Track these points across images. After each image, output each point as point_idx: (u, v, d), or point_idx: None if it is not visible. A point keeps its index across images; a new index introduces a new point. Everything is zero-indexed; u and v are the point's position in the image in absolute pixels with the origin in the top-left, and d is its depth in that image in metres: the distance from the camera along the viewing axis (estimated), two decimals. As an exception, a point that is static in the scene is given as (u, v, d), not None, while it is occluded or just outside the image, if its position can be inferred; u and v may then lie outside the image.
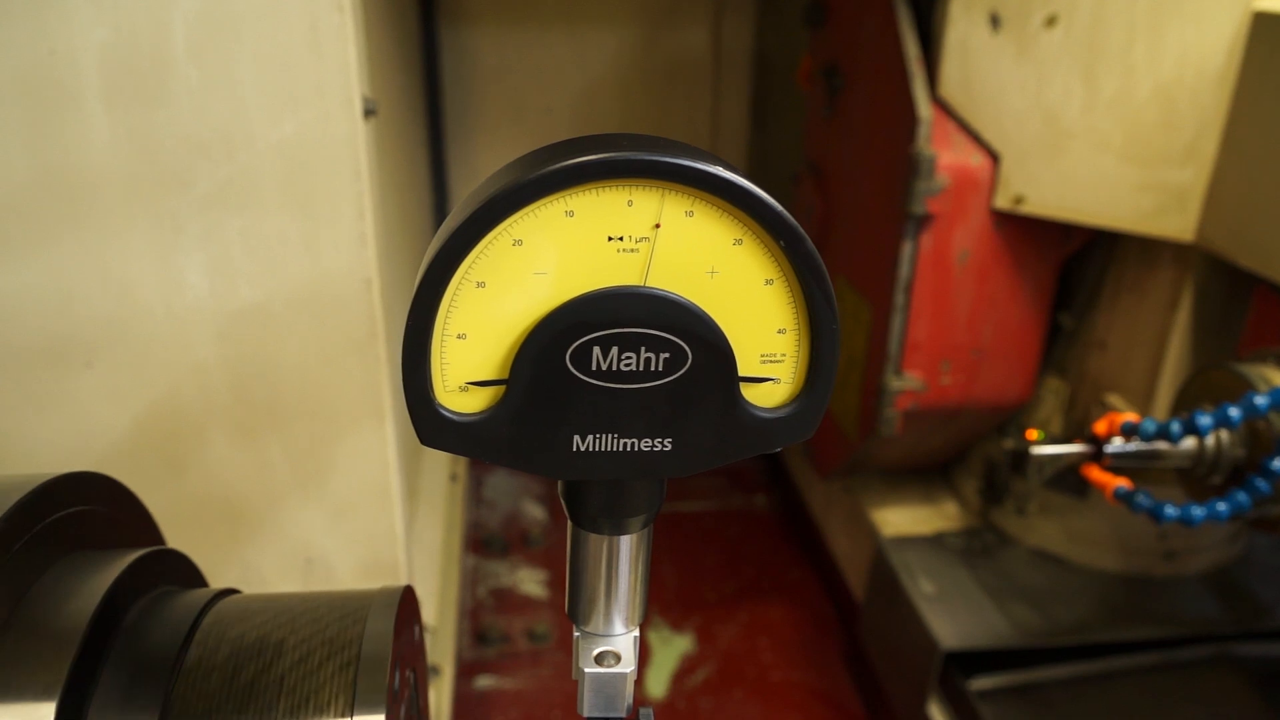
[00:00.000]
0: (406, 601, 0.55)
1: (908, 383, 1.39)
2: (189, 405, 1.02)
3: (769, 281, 0.41)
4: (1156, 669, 1.39)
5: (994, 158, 1.30)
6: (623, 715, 0.48)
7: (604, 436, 0.42)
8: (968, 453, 1.68)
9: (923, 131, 1.28)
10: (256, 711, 0.49)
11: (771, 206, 0.39)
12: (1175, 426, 0.88)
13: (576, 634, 0.49)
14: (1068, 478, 1.42)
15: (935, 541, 1.59)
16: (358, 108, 0.92)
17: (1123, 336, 1.34)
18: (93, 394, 0.98)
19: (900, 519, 1.66)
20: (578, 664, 0.48)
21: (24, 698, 0.46)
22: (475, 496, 2.37)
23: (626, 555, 0.47)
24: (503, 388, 0.41)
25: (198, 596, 0.55)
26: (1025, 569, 1.52)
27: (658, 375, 0.41)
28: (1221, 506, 0.88)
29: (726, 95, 2.25)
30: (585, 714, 0.47)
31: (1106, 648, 1.39)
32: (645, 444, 0.42)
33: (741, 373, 0.42)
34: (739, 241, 0.40)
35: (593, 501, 0.45)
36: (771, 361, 0.43)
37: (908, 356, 1.38)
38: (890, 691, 1.56)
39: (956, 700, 1.40)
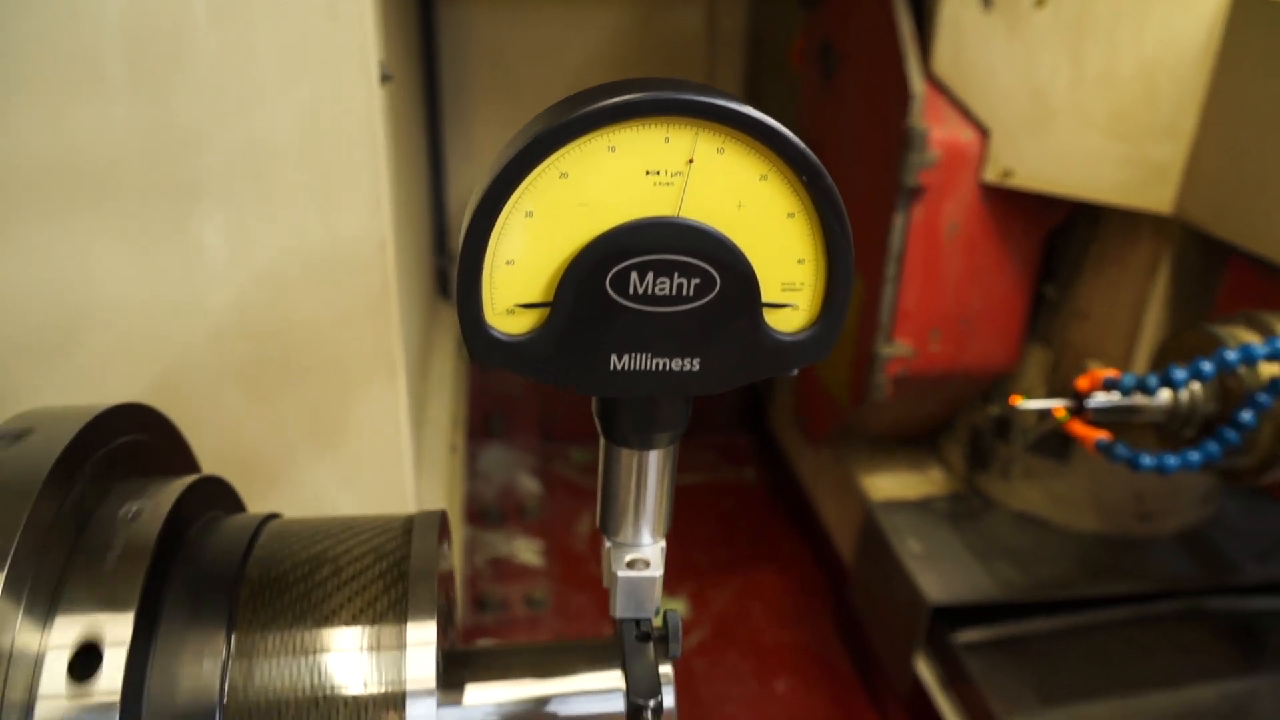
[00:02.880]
0: (443, 525, 0.60)
1: (898, 350, 1.43)
2: (207, 366, 1.05)
3: (791, 215, 0.45)
4: (1132, 622, 1.45)
5: (984, 133, 1.35)
6: (651, 616, 0.52)
7: (639, 356, 0.46)
8: (954, 421, 1.73)
9: (916, 106, 1.32)
10: (315, 621, 0.53)
11: (796, 145, 0.43)
12: (1152, 380, 0.93)
13: (608, 544, 0.53)
14: (1049, 442, 1.48)
15: (923, 505, 1.65)
16: (374, 74, 0.95)
17: (1104, 306, 1.40)
18: (112, 355, 1.01)
19: (889, 485, 1.71)
20: (610, 571, 0.52)
21: (103, 610, 0.49)
22: (470, 470, 2.40)
23: (654, 469, 0.51)
24: (547, 310, 0.45)
25: (248, 519, 0.59)
26: (1009, 530, 1.57)
27: (689, 300, 0.45)
28: (1194, 456, 0.93)
29: (720, 74, 2.28)
30: (618, 615, 0.52)
31: (1085, 602, 1.45)
32: (676, 364, 0.46)
33: (764, 299, 0.46)
34: (764, 177, 0.44)
35: (625, 418, 0.49)
36: (791, 289, 0.47)
37: (898, 325, 1.43)
38: (879, 648, 1.62)
39: (943, 653, 1.45)
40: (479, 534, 2.18)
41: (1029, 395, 1.54)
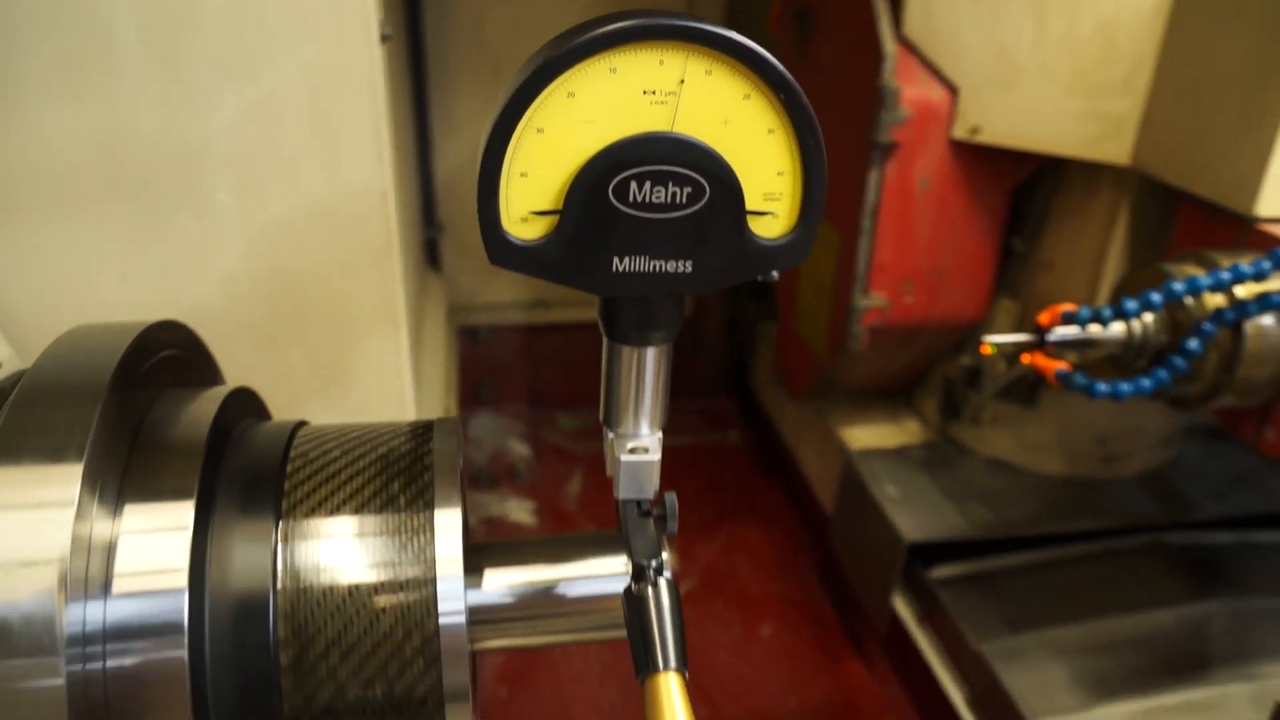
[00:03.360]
0: (459, 429, 0.66)
1: (874, 301, 1.50)
2: (217, 315, 1.10)
3: (771, 131, 0.51)
4: (1096, 556, 1.53)
5: (953, 91, 1.41)
6: (650, 496, 0.58)
7: (638, 258, 0.52)
8: (928, 374, 1.80)
9: (888, 66, 1.38)
10: (353, 509, 0.59)
11: (775, 66, 0.49)
12: (1106, 312, 1.00)
13: (610, 436, 0.59)
14: (1017, 389, 1.55)
15: (899, 454, 1.72)
16: (375, 33, 1.01)
17: (1068, 256, 1.47)
18: (125, 307, 1.06)
19: (867, 436, 1.79)
20: (613, 458, 0.58)
21: (166, 499, 0.55)
22: (462, 435, 2.46)
23: (651, 365, 0.57)
24: (557, 217, 0.51)
25: (282, 424, 0.65)
26: (980, 475, 1.65)
27: (682, 207, 0.51)
28: (1145, 382, 1.00)
29: (699, 45, 2.33)
30: (621, 496, 0.58)
31: (1052, 538, 1.54)
32: (671, 265, 0.53)
33: (748, 207, 0.52)
34: (748, 96, 0.50)
35: (625, 317, 0.55)
36: (772, 199, 0.53)
37: (874, 277, 1.50)
38: (859, 588, 1.70)
39: (918, 589, 1.53)
40: (473, 496, 2.25)
41: (998, 347, 1.61)
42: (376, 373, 1.17)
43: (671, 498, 0.59)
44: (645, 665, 0.51)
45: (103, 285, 1.04)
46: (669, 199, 0.51)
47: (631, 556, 0.55)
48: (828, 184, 0.53)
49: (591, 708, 1.71)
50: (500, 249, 0.51)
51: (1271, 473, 1.70)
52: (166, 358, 0.65)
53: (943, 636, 1.49)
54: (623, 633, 0.66)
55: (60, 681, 0.48)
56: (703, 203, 0.51)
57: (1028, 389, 1.58)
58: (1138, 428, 1.64)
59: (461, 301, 2.50)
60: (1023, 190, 1.52)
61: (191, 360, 0.69)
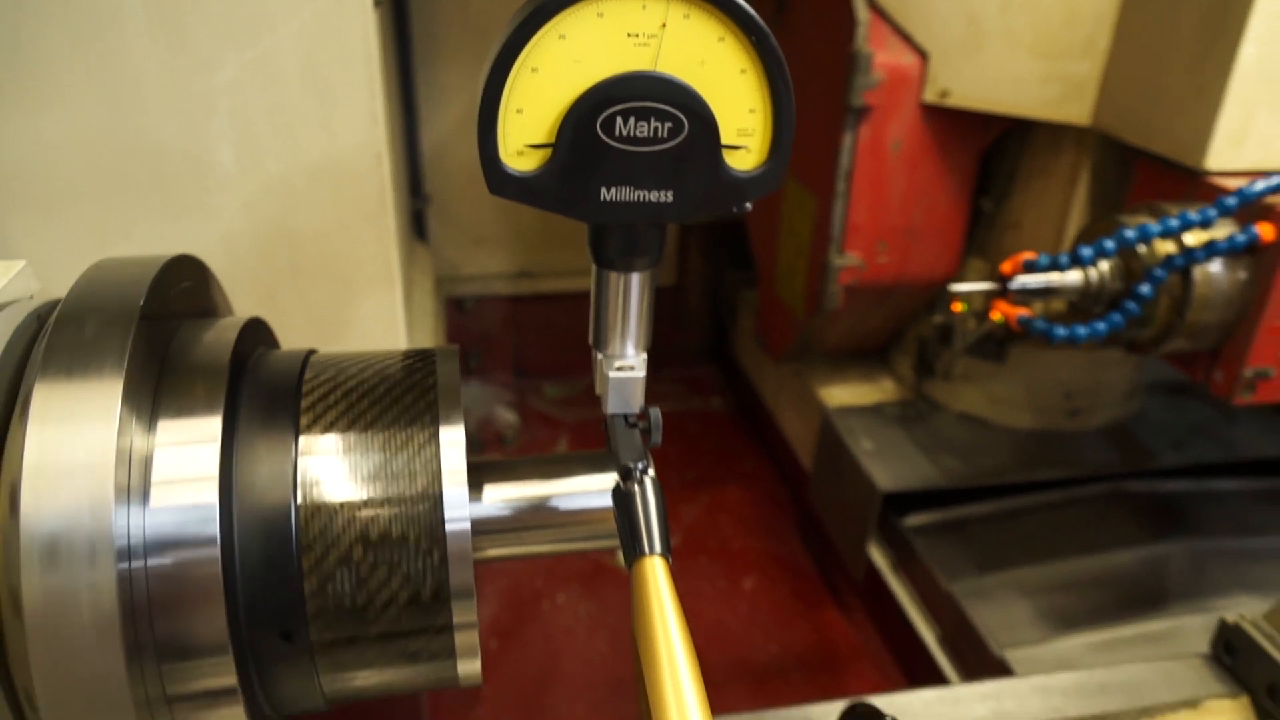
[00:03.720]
0: (458, 355, 0.71)
1: (849, 261, 1.56)
2: (218, 271, 1.14)
3: (743, 71, 0.57)
4: (1061, 504, 1.60)
5: (923, 56, 1.47)
6: (636, 410, 0.64)
7: (624, 189, 0.57)
8: (903, 335, 1.87)
9: (861, 32, 1.44)
10: (364, 425, 0.64)
11: (746, 11, 0.55)
12: (1064, 259, 1.07)
13: (599, 357, 0.65)
14: (986, 346, 1.62)
15: (875, 410, 1.79)
16: (368, -3, 1.05)
17: (1034, 216, 1.53)
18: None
19: (844, 394, 1.85)
20: (602, 376, 0.64)
21: (196, 414, 0.60)
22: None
23: (636, 290, 0.63)
24: (550, 150, 0.56)
25: (295, 351, 0.70)
26: (952, 429, 1.72)
27: (663, 140, 0.56)
28: (1101, 326, 1.07)
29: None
30: (609, 411, 0.64)
31: (1019, 487, 1.61)
32: (653, 195, 0.58)
33: (723, 141, 0.58)
34: (722, 39, 0.56)
35: (612, 244, 0.61)
36: (745, 134, 0.58)
37: (848, 238, 1.56)
38: (837, 538, 1.76)
39: (893, 537, 1.60)
40: (461, 460, 2.29)
41: (968, 303, 1.68)
42: (372, 329, 1.22)
43: (655, 412, 0.65)
44: (633, 551, 0.57)
45: (107, 242, 1.08)
46: (651, 133, 0.56)
47: (619, 460, 0.61)
48: (796, 127, 0.58)
49: (581, 660, 1.77)
50: (499, 180, 0.57)
51: (1227, 424, 1.77)
52: (185, 289, 0.70)
53: (915, 581, 1.56)
54: (611, 542, 0.73)
55: (111, 580, 0.53)
56: (682, 137, 0.57)
57: (997, 345, 1.64)
58: (1102, 383, 1.71)
59: (448, 272, 2.54)
60: (991, 152, 1.58)
61: (206, 292, 0.74)
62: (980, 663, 1.35)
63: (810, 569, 1.96)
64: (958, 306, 1.63)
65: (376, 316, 1.21)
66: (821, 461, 1.82)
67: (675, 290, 2.68)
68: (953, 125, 1.51)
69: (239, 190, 1.09)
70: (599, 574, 1.96)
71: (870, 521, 1.59)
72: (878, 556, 1.64)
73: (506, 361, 2.69)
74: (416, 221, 2.43)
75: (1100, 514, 1.59)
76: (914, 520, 1.58)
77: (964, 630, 1.40)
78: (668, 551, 0.57)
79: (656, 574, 0.55)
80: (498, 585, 1.92)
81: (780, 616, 1.85)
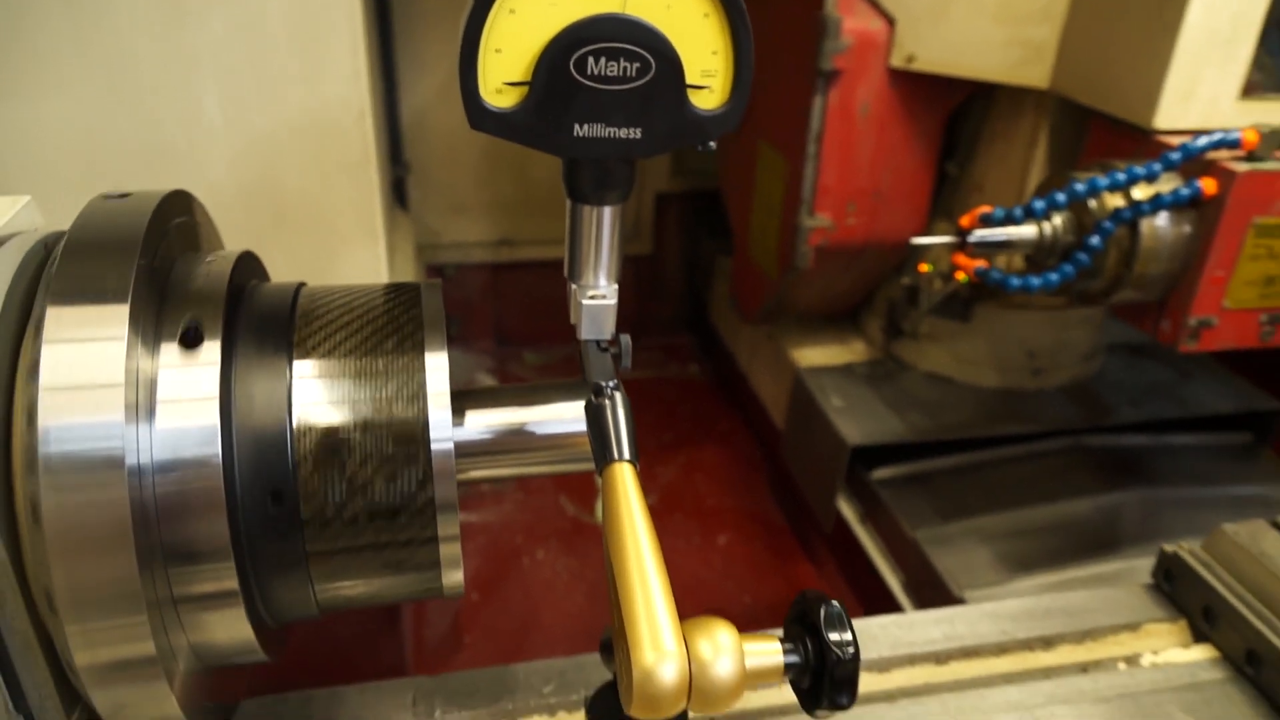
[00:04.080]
0: (441, 289, 0.76)
1: (819, 222, 1.61)
2: (205, 226, 1.18)
3: (706, 15, 0.61)
4: (1023, 458, 1.67)
5: (890, 21, 1.52)
6: (608, 336, 0.69)
7: (595, 125, 0.62)
8: (872, 298, 1.92)
9: (829, -1, 1.48)
10: (354, 350, 0.69)
11: (706, -43, 0.59)
12: (1018, 211, 1.12)
13: (573, 287, 0.69)
14: (952, 305, 1.68)
15: (845, 370, 1.84)
16: (351, -43, 1.08)
17: (996, 178, 1.59)
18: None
19: (815, 355, 1.91)
20: (576, 304, 0.68)
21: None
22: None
23: (608, 222, 0.67)
24: (526, 88, 0.61)
25: (286, 283, 0.74)
26: (919, 387, 1.78)
27: (632, 80, 0.61)
28: (1053, 276, 1.12)
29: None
30: (583, 337, 0.68)
31: (983, 442, 1.67)
32: (623, 132, 0.62)
33: (688, 81, 0.62)
34: (685, -17, 0.60)
35: (585, 178, 0.65)
36: (708, 75, 0.63)
37: (819, 199, 1.60)
38: (807, 492, 1.82)
39: (861, 490, 1.66)
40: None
41: (935, 266, 1.73)
42: (357, 281, 1.25)
43: (626, 338, 0.69)
44: (603, 458, 0.61)
45: (96, 191, 1.11)
46: (621, 72, 0.60)
47: (591, 379, 0.66)
48: (754, 66, 0.63)
49: (559, 613, 1.83)
50: (479, 115, 0.61)
51: (1182, 382, 1.84)
52: (180, 224, 0.74)
53: (882, 531, 1.62)
54: (586, 465, 0.78)
55: (123, 491, 0.57)
56: (650, 76, 0.61)
57: (962, 305, 1.70)
58: (1064, 343, 1.77)
59: (429, 240, 2.57)
60: (956, 116, 1.63)
61: (200, 228, 0.77)
62: (941, 604, 1.41)
63: (782, 524, 2.02)
64: (924, 267, 1.69)
65: (360, 270, 1.25)
66: (793, 419, 1.88)
67: (652, 259, 2.72)
68: (919, 89, 1.55)
69: (225, 144, 1.12)
70: (578, 531, 2.02)
71: (839, 475, 1.65)
72: (846, 509, 1.70)
73: (487, 329, 2.73)
74: (397, 189, 2.46)
75: (1060, 467, 1.66)
76: (881, 473, 1.64)
77: (927, 574, 1.46)
78: (636, 459, 0.62)
79: (625, 479, 0.60)
80: (478, 542, 1.97)
81: (754, 569, 1.91)
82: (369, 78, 1.14)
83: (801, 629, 0.61)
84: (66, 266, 0.61)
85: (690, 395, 2.55)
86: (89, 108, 1.06)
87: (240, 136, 1.12)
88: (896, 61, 1.52)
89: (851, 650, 0.58)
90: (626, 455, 0.61)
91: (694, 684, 0.55)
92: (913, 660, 0.98)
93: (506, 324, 2.73)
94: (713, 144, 0.65)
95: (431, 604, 1.81)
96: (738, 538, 1.99)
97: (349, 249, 1.22)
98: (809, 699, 0.60)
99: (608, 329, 0.69)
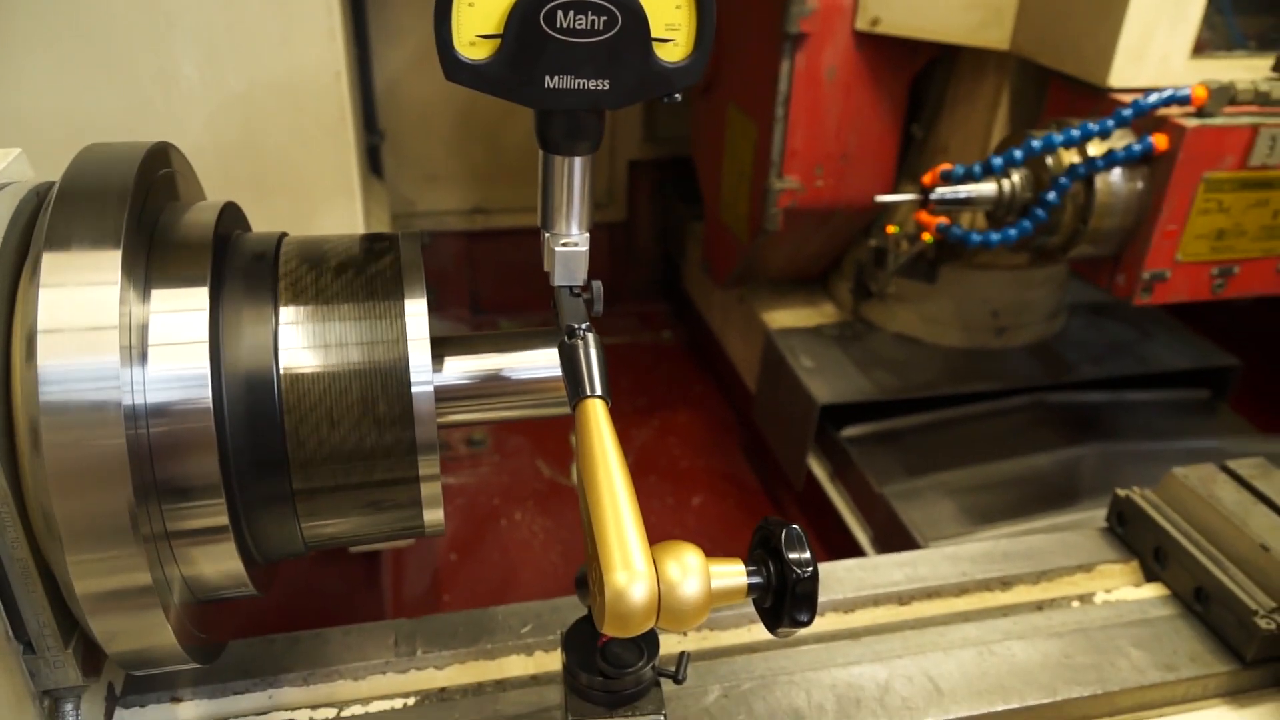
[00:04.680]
0: (419, 239, 0.78)
1: (788, 184, 1.65)
2: (182, 188, 1.20)
3: (669, -31, 0.64)
4: (987, 414, 1.72)
5: (855, -14, 1.54)
6: (580, 282, 0.72)
7: (565, 78, 0.65)
8: (840, 261, 1.96)
9: (796, -38, 1.50)
10: (335, 296, 0.71)
11: (670, -87, 0.62)
12: (977, 168, 1.16)
13: (546, 235, 0.72)
14: (918, 266, 1.72)
15: (815, 332, 1.89)
16: (324, -82, 1.10)
17: (960, 140, 1.62)
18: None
19: (786, 318, 1.95)
20: (549, 252, 0.71)
21: (184, 285, 0.67)
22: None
23: (579, 173, 0.70)
24: (499, 40, 0.63)
25: (268, 233, 0.77)
26: (887, 347, 1.82)
27: (599, 33, 0.64)
28: (1011, 231, 1.16)
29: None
30: (556, 283, 0.71)
31: (949, 399, 1.72)
32: (592, 84, 0.65)
33: (652, 34, 0.65)
34: (651, -61, 0.63)
35: (556, 129, 0.68)
36: (672, 29, 0.66)
37: (787, 162, 1.64)
38: (779, 451, 1.87)
39: (830, 448, 1.71)
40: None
41: (901, 228, 1.77)
42: (333, 243, 1.27)
43: (598, 284, 0.72)
44: (575, 395, 0.65)
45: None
46: (589, 26, 0.63)
47: (564, 322, 0.69)
48: (716, 21, 0.65)
49: (536, 571, 1.87)
50: (453, 67, 0.63)
51: (1143, 340, 1.90)
52: (165, 175, 0.76)
53: (851, 488, 1.67)
54: (560, 410, 0.81)
55: (120, 431, 0.60)
56: (616, 29, 0.64)
57: (928, 266, 1.74)
58: (1027, 303, 1.82)
59: (403, 209, 2.58)
60: (920, 80, 1.67)
61: (182, 179, 0.79)
62: (907, 554, 1.46)
63: (754, 484, 2.07)
64: (891, 229, 1.73)
65: (338, 229, 1.26)
66: (765, 381, 1.92)
67: (625, 226, 2.75)
68: (883, 53, 1.59)
69: (203, 103, 1.13)
70: (555, 493, 2.05)
71: (809, 433, 1.69)
72: (817, 467, 1.75)
73: (463, 297, 2.75)
74: (371, 158, 2.47)
75: (1023, 423, 1.71)
76: (850, 431, 1.69)
77: (894, 527, 1.51)
78: (608, 395, 0.65)
79: (597, 414, 0.63)
80: (456, 504, 2.00)
81: (726, 529, 1.96)
82: (344, 38, 1.16)
83: (764, 552, 0.65)
84: (60, 213, 0.63)
85: (663, 360, 2.59)
86: (66, 66, 1.07)
87: (217, 96, 1.13)
88: (861, 25, 1.55)
89: (810, 569, 0.62)
90: (599, 391, 0.64)
91: (663, 603, 0.59)
92: (876, 601, 1.02)
93: (482, 292, 2.75)
94: (678, 96, 0.68)
95: (410, 562, 1.85)
96: (711, 498, 2.04)
97: (327, 208, 1.24)
98: (771, 618, 0.64)
99: (580, 275, 0.72)
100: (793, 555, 0.62)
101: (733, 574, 0.63)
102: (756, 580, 0.63)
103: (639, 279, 2.84)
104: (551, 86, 0.65)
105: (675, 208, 2.63)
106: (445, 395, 0.77)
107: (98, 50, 1.07)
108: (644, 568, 0.57)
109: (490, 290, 2.75)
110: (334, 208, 1.24)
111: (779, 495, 1.98)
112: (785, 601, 0.62)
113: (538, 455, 2.16)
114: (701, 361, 2.52)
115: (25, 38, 1.04)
